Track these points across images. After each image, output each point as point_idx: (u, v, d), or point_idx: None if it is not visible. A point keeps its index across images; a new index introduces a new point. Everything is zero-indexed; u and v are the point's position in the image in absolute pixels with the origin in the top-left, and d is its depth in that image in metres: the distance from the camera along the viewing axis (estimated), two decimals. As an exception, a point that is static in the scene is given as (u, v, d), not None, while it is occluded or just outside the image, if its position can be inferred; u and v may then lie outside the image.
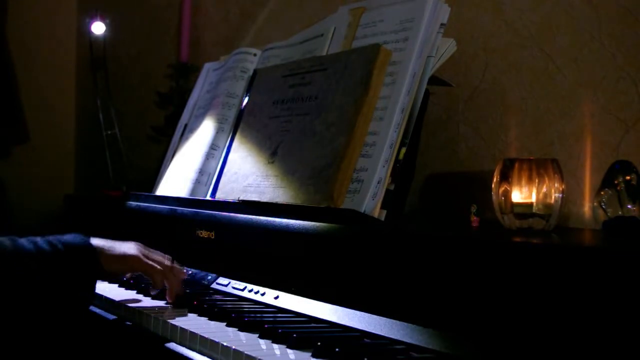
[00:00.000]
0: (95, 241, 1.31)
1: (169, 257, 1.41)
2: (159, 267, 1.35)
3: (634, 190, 1.12)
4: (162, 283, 1.34)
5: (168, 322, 1.14)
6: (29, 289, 1.21)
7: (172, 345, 1.10)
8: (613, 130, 1.31)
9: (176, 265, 1.41)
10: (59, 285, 1.23)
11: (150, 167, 2.10)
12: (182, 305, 1.28)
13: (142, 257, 1.35)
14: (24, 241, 1.24)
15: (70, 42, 3.33)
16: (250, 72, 1.75)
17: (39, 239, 1.26)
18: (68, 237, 1.29)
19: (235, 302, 1.30)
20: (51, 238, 1.27)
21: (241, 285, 1.36)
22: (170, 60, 2.60)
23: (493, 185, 1.23)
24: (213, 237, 1.49)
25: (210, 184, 1.67)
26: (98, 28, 2.50)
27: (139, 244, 1.40)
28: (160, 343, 1.13)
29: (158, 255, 1.40)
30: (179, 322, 1.13)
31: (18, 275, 1.20)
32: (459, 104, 1.59)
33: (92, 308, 1.39)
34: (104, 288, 1.46)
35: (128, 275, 1.52)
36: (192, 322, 1.15)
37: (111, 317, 1.33)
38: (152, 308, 1.28)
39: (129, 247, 1.36)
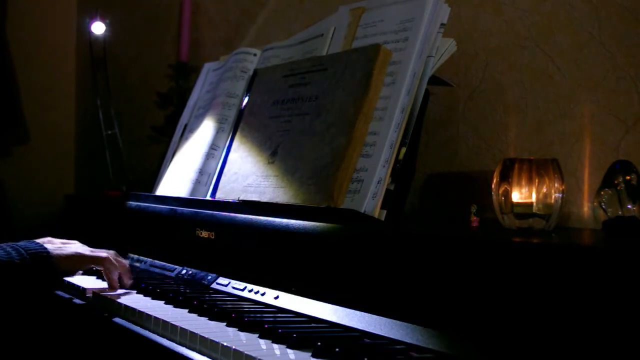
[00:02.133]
0: (48, 246, 1.41)
1: (112, 251, 1.51)
2: (104, 254, 1.46)
3: (634, 190, 1.12)
4: (113, 267, 1.45)
5: (168, 322, 1.14)
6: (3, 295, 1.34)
7: (172, 345, 1.10)
8: (613, 130, 1.31)
9: (120, 258, 1.51)
10: (24, 290, 1.37)
11: (150, 167, 2.10)
12: (182, 305, 1.28)
13: (88, 252, 1.46)
14: None
15: (70, 42, 3.33)
16: (250, 72, 1.75)
17: (4, 246, 1.35)
18: (28, 245, 1.38)
19: (235, 302, 1.30)
20: (16, 245, 1.37)
21: (241, 285, 1.36)
22: (170, 60, 2.60)
23: (493, 185, 1.23)
24: (213, 237, 1.49)
25: (210, 184, 1.67)
26: (98, 28, 2.50)
27: (81, 244, 1.50)
28: (161, 343, 1.13)
29: (101, 250, 1.49)
30: (180, 322, 1.13)
31: None
32: (459, 104, 1.59)
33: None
34: (103, 286, 1.46)
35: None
36: (192, 322, 1.15)
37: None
38: (152, 308, 1.28)
39: (75, 247, 1.46)
